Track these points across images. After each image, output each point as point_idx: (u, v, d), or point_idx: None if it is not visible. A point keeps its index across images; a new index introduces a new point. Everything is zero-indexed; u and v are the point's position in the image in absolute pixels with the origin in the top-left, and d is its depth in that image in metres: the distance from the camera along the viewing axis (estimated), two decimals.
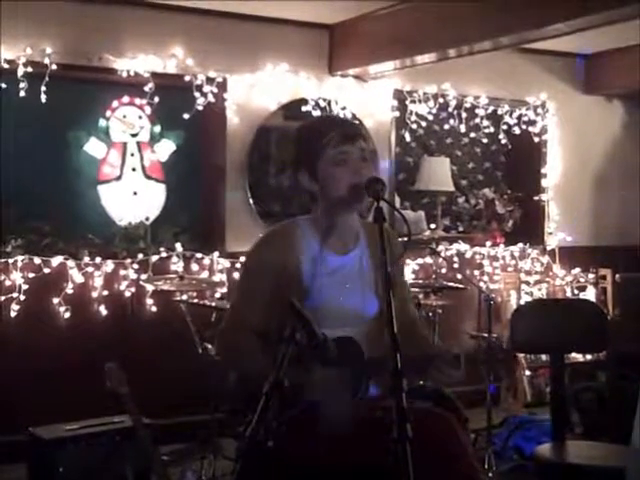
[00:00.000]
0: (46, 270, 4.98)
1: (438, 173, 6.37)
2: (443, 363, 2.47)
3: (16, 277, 4.91)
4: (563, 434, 3.54)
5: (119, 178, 5.43)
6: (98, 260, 5.14)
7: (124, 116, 5.42)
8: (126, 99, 5.41)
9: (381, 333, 2.61)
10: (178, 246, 5.37)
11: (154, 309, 5.28)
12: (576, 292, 6.74)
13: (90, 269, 5.11)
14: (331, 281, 2.58)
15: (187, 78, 5.40)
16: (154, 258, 5.29)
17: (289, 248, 2.60)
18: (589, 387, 5.60)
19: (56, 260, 5.01)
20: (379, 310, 2.63)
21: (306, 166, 2.59)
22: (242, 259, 4.64)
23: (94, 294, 5.13)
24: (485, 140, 6.71)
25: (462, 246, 6.40)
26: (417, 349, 2.56)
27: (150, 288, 5.17)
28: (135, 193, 5.47)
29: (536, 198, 6.77)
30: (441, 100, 6.29)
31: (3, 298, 4.89)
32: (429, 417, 2.44)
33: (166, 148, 5.55)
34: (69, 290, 5.04)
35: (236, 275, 5.33)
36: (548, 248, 6.75)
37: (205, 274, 5.44)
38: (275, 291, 2.56)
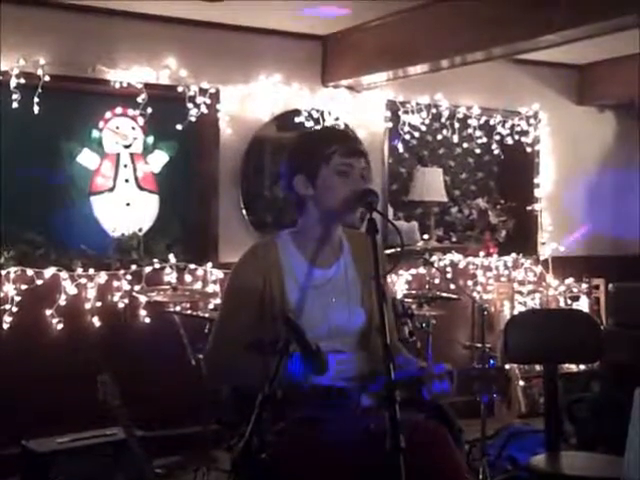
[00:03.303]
0: (39, 282, 4.97)
1: (431, 183, 6.38)
2: (431, 378, 2.47)
3: (9, 289, 4.89)
4: (557, 444, 3.53)
5: (112, 189, 5.42)
6: (91, 271, 5.13)
7: (117, 127, 5.42)
8: (119, 110, 5.41)
9: (368, 344, 2.61)
10: (171, 257, 5.36)
11: (147, 320, 5.27)
12: (569, 302, 6.75)
13: (83, 280, 5.10)
14: (317, 295, 2.58)
15: (180, 89, 5.41)
16: (147, 269, 5.28)
17: (270, 265, 2.60)
18: (583, 397, 5.60)
19: (49, 271, 5.00)
20: (366, 322, 2.63)
21: (306, 170, 2.58)
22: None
23: (87, 305, 5.12)
24: (478, 150, 6.72)
25: (455, 256, 6.40)
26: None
27: (143, 299, 5.17)
28: (128, 204, 5.46)
29: (529, 208, 6.78)
30: (434, 111, 6.30)
31: None
32: (420, 429, 2.43)
33: (159, 159, 5.54)
34: (62, 302, 5.02)
35: None
36: (541, 258, 6.76)
37: (198, 285, 5.44)
38: (260, 308, 2.58)
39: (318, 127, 5.71)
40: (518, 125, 6.67)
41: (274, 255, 2.63)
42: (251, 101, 5.70)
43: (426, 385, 2.46)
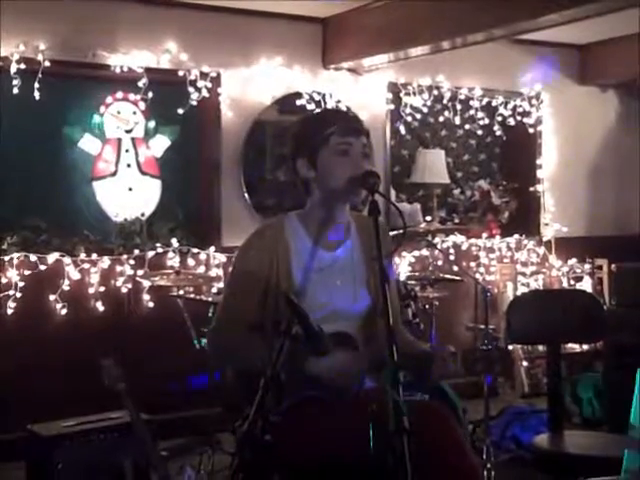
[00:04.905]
0: (42, 267, 4.98)
1: (433, 165, 6.37)
2: (439, 360, 2.47)
3: (12, 274, 4.91)
4: (560, 424, 3.54)
5: (114, 174, 5.42)
6: (94, 256, 5.14)
7: (118, 112, 5.41)
8: (120, 95, 5.40)
9: (373, 327, 2.62)
10: (174, 241, 5.37)
11: (151, 305, 5.28)
12: (572, 282, 6.75)
13: (86, 265, 5.11)
14: (322, 277, 2.58)
15: (181, 73, 5.40)
16: (150, 254, 5.29)
17: (278, 246, 2.60)
18: (586, 377, 5.62)
19: (52, 257, 5.01)
20: (371, 305, 2.63)
21: (307, 153, 2.59)
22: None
23: (91, 290, 5.13)
24: (480, 132, 6.71)
25: (458, 238, 6.40)
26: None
27: (146, 284, 5.18)
28: (130, 189, 5.46)
29: (532, 189, 6.77)
30: (435, 92, 6.29)
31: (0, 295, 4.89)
32: (423, 411, 2.43)
33: (161, 144, 5.53)
34: (65, 287, 5.03)
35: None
36: (544, 239, 6.76)
37: (201, 269, 5.45)
38: (266, 288, 2.57)
39: (318, 110, 5.69)
40: (520, 106, 6.65)
41: (281, 236, 2.63)
42: (252, 84, 5.69)
43: (430, 367, 2.46)
